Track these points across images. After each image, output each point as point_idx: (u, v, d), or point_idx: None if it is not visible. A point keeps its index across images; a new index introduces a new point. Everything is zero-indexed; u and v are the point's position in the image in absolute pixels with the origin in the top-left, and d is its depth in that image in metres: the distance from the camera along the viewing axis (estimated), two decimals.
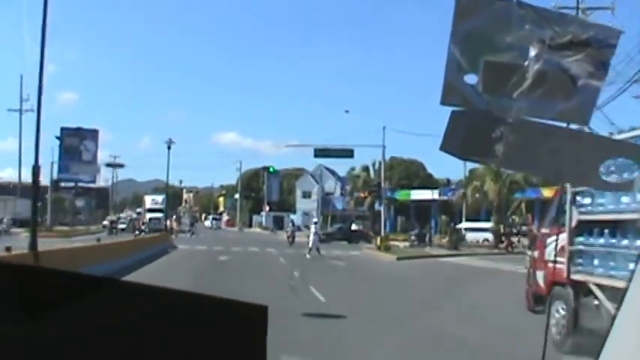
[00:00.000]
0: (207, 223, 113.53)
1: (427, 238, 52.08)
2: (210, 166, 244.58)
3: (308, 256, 34.83)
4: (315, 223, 40.55)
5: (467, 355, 10.58)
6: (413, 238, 52.06)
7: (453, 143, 2.25)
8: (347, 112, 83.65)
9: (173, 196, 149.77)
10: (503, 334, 12.26)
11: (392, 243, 46.34)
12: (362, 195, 73.08)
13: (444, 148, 2.24)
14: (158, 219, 68.14)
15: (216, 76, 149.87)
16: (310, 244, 35.99)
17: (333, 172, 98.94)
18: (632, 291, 1.78)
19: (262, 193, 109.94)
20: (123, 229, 64.26)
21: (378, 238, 47.16)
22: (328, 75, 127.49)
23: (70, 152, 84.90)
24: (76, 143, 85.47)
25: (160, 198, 78.12)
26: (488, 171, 50.36)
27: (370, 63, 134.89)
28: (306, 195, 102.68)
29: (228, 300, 1.57)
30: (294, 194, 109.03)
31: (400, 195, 77.55)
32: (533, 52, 2.14)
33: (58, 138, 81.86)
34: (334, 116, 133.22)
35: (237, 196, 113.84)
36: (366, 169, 72.93)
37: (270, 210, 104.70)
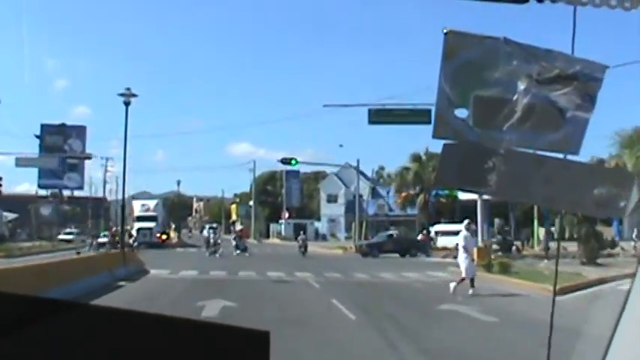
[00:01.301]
0: (205, 233, 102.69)
1: (514, 247, 41.12)
2: (223, 176, 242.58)
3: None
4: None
5: None
6: (495, 247, 39.90)
7: (447, 175, 2.33)
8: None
9: (182, 206, 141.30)
10: None
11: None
12: (410, 192, 60.28)
13: (438, 179, 2.34)
14: (149, 230, 55.07)
15: (228, 87, 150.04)
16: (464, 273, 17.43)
17: (361, 172, 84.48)
18: (635, 293, 1.84)
19: (280, 198, 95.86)
20: (102, 244, 47.26)
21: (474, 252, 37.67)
22: (345, 82, 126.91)
23: (52, 153, 69.22)
24: (59, 142, 71.52)
25: (151, 203, 61.88)
26: None
27: (386, 66, 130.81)
28: (332, 199, 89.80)
29: (230, 326, 1.59)
30: (315, 200, 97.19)
31: (445, 194, 63.54)
32: (521, 87, 2.20)
33: (37, 137, 68.54)
34: (355, 123, 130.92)
35: (251, 202, 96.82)
36: (417, 158, 58.38)
37: (290, 217, 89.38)
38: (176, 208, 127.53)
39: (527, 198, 2.39)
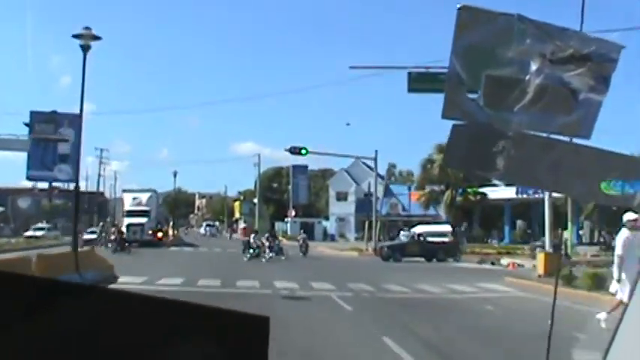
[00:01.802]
0: (202, 230, 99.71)
1: (564, 251, 35.07)
2: (227, 173, 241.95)
3: None
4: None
5: None
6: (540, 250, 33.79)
7: (455, 157, 2.27)
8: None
9: (185, 203, 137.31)
10: None
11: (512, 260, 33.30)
12: (435, 189, 55.09)
13: (446, 162, 2.30)
14: (141, 226, 49.66)
15: (233, 85, 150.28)
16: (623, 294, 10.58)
17: (371, 168, 77.59)
18: (636, 297, 1.81)
19: (287, 195, 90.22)
20: (89, 241, 42.87)
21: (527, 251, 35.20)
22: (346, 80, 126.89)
23: (42, 143, 65.86)
24: (49, 131, 66.07)
25: (144, 196, 55.07)
26: None
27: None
28: (342, 197, 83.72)
29: (229, 310, 1.54)
30: (323, 198, 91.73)
31: (473, 191, 56.42)
32: (534, 67, 2.14)
33: (26, 125, 63.06)
34: (366, 121, 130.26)
35: (255, 199, 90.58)
36: (444, 149, 47.92)
37: (297, 215, 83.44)
38: (178, 205, 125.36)
39: (535, 182, 2.33)
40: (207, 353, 1.52)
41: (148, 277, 20.57)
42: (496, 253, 41.12)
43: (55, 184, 69.83)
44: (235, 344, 1.52)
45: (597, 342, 4.34)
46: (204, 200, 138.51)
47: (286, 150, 42.05)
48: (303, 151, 43.24)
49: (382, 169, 77.86)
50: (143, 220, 50.32)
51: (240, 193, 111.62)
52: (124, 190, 61.53)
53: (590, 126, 2.21)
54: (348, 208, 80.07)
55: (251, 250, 34.53)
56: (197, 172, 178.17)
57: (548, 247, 25.97)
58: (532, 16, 2.15)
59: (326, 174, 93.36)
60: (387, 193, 69.47)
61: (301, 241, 42.32)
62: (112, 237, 42.78)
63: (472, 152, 2.23)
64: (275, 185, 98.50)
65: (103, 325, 1.54)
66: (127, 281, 19.32)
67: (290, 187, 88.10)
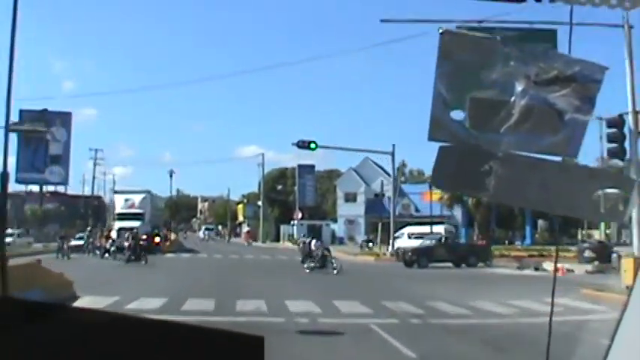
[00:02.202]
0: (201, 234, 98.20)
1: (615, 255, 30.43)
2: (230, 177, 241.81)
3: None
4: None
5: None
6: (589, 254, 31.51)
7: (442, 178, 2.29)
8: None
9: (187, 206, 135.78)
10: None
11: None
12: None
13: (434, 184, 2.33)
14: (133, 230, 43.31)
15: (235, 89, 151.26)
16: None
17: (381, 167, 74.63)
18: (635, 295, 1.85)
19: (292, 197, 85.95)
20: (76, 248, 41.17)
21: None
22: (355, 82, 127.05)
23: (32, 144, 62.39)
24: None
25: (137, 197, 49.68)
26: None
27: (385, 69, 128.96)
28: (350, 198, 79.67)
29: (224, 331, 1.56)
30: (329, 200, 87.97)
31: None
32: (519, 88, 2.16)
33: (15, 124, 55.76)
34: (372, 121, 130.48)
35: (260, 202, 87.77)
36: None
37: (303, 217, 79.53)
38: (178, 208, 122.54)
39: (524, 202, 2.36)
40: None
41: (122, 295, 16.86)
42: (527, 255, 38.38)
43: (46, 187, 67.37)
44: None
45: None
46: (206, 204, 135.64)
47: (294, 144, 38.83)
48: (312, 145, 39.62)
49: (391, 168, 77.70)
50: (136, 223, 44.75)
51: (243, 196, 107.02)
52: (116, 192, 56.67)
53: (577, 145, 2.23)
54: (358, 209, 77.47)
55: (311, 262, 29.85)
56: (200, 176, 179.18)
57: (637, 252, 20.92)
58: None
59: (332, 175, 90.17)
60: (399, 193, 65.25)
61: (302, 245, 39.95)
62: (99, 243, 40.08)
63: (460, 173, 2.26)
64: (280, 187, 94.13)
65: (90, 345, 1.54)
66: (90, 303, 14.94)
67: (296, 187, 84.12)
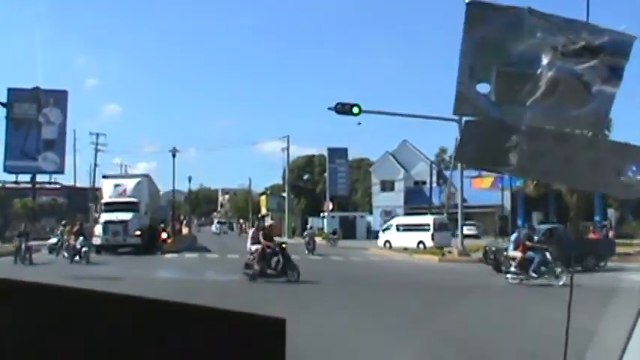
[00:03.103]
0: (213, 227, 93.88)
1: None
2: (253, 171, 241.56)
3: None
4: None
5: None
6: None
7: (467, 153, 2.27)
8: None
9: (207, 200, 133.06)
10: None
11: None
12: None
13: (458, 158, 2.32)
14: (123, 224, 35.56)
15: (261, 83, 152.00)
16: None
17: (421, 152, 69.15)
18: None
19: (320, 186, 76.85)
20: (53, 247, 32.39)
21: None
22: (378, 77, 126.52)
23: (22, 127, 54.04)
24: (31, 112, 54.47)
25: (130, 182, 39.94)
26: None
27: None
28: (387, 186, 70.62)
29: (245, 314, 1.55)
30: (360, 190, 79.16)
31: None
32: (545, 60, 2.13)
33: (3, 105, 51.07)
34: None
35: (284, 193, 76.32)
36: None
37: (334, 209, 68.89)
38: (199, 201, 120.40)
39: (548, 177, 2.33)
40: (223, 356, 1.53)
41: None
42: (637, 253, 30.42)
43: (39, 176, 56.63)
44: (252, 347, 1.52)
45: None
46: (227, 196, 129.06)
47: (330, 109, 29.81)
48: (355, 110, 30.17)
49: (431, 153, 70.98)
50: (127, 215, 35.84)
51: (266, 188, 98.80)
52: (104, 176, 44.94)
53: (603, 119, 2.20)
54: (396, 199, 68.35)
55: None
56: (223, 171, 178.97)
57: None
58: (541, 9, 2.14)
59: (362, 164, 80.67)
60: (441, 180, 59.54)
61: (307, 238, 38.60)
62: (67, 242, 30.15)
63: (485, 148, 2.23)
64: (306, 176, 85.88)
65: (111, 328, 1.56)
66: None
67: (326, 174, 73.57)
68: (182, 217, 70.79)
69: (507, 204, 58.44)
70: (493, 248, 26.81)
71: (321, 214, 69.69)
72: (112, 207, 36.91)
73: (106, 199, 39.00)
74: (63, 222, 34.49)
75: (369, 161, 79.58)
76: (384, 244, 46.71)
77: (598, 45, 2.10)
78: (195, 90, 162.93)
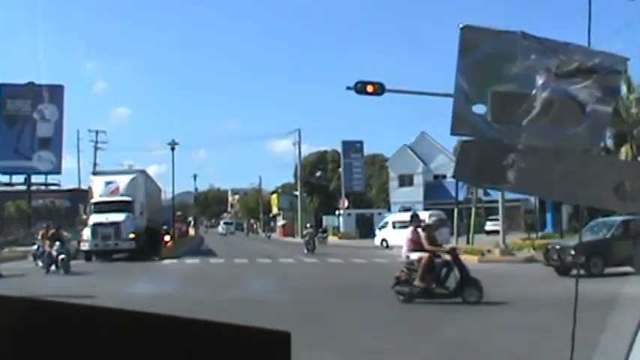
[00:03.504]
0: (220, 228, 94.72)
1: None
2: (263, 171, 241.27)
3: None
4: None
5: None
6: None
7: (464, 172, 2.33)
8: None
9: (217, 200, 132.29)
10: None
11: None
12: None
13: (455, 176, 2.38)
14: (114, 226, 31.83)
15: (269, 83, 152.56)
16: None
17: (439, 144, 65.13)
18: None
19: (335, 183, 72.81)
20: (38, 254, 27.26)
21: None
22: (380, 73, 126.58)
23: (16, 123, 50.33)
24: (25, 108, 50.55)
25: (123, 179, 35.50)
26: None
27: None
28: (406, 181, 66.04)
29: (248, 327, 1.53)
30: (374, 187, 74.30)
31: None
32: (540, 81, 2.19)
33: None
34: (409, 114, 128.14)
35: (297, 192, 72.85)
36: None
37: (349, 206, 64.28)
38: (210, 203, 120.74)
39: (547, 193, 2.38)
40: None
41: None
42: None
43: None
44: None
45: None
46: (237, 197, 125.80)
47: (350, 88, 24.73)
48: (378, 89, 25.31)
49: (450, 145, 63.56)
50: (119, 217, 31.93)
51: (277, 188, 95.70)
52: (94, 173, 41.62)
53: (598, 136, 2.26)
54: (415, 194, 63.58)
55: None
56: (233, 172, 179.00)
57: None
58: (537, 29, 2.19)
59: (376, 160, 75.58)
60: None
61: (308, 237, 37.95)
62: (42, 249, 26.10)
63: (482, 166, 2.29)
64: (319, 173, 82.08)
65: (110, 345, 1.53)
66: None
67: (341, 169, 69.11)
68: (188, 219, 68.72)
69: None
70: (557, 247, 22.43)
71: (337, 212, 65.79)
72: (102, 207, 32.94)
73: (95, 198, 34.72)
74: (44, 225, 29.49)
75: (383, 156, 75.70)
76: (381, 243, 45.15)
77: (591, 66, 2.15)
78: (203, 90, 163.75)
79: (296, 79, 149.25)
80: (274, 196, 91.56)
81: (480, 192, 46.32)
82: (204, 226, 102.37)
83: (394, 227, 43.69)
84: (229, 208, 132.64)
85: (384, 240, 45.32)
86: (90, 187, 37.28)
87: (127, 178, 35.58)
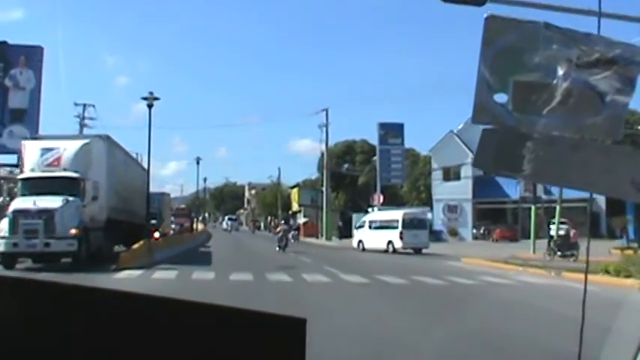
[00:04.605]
0: (224, 224, 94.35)
1: None
2: (283, 168, 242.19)
3: None
4: None
5: None
6: None
7: (484, 160, 2.39)
8: None
9: (233, 196, 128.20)
10: None
11: None
12: None
13: (475, 164, 2.45)
14: (46, 215, 20.96)
15: (290, 81, 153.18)
16: None
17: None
18: None
19: (366, 176, 63.56)
20: None
21: None
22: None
23: None
24: None
25: (68, 145, 23.94)
26: None
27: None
28: (451, 174, 57.31)
29: (265, 313, 1.55)
30: (404, 184, 63.84)
31: None
32: (560, 71, 2.23)
33: None
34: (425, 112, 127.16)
35: (324, 187, 61.31)
36: None
37: (384, 203, 54.86)
38: (225, 198, 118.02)
39: (565, 182, 2.42)
40: (242, 357, 1.54)
41: None
42: None
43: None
44: (271, 347, 1.53)
45: None
46: (254, 191, 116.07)
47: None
48: None
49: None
50: (54, 202, 21.54)
51: (298, 183, 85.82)
52: (29, 138, 28.25)
53: (617, 127, 2.29)
54: (462, 190, 55.82)
55: None
56: (252, 170, 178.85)
57: None
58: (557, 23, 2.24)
59: (407, 154, 63.42)
60: None
61: (282, 233, 34.76)
62: None
63: (501, 155, 2.33)
64: (346, 165, 71.33)
65: (129, 328, 1.55)
66: None
67: (376, 158, 57.78)
68: (192, 214, 64.70)
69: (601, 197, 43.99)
70: None
71: (369, 209, 54.14)
72: (33, 186, 22.39)
73: (26, 172, 23.92)
74: None
75: (414, 152, 67.36)
76: (358, 245, 41.36)
77: (611, 57, 2.19)
78: (223, 87, 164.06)
79: (319, 75, 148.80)
80: (295, 190, 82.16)
81: (540, 188, 39.08)
82: (213, 222, 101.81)
83: (370, 227, 40.08)
84: (245, 204, 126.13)
85: (360, 242, 41.39)
86: (21, 158, 26.08)
87: (76, 144, 24.26)
